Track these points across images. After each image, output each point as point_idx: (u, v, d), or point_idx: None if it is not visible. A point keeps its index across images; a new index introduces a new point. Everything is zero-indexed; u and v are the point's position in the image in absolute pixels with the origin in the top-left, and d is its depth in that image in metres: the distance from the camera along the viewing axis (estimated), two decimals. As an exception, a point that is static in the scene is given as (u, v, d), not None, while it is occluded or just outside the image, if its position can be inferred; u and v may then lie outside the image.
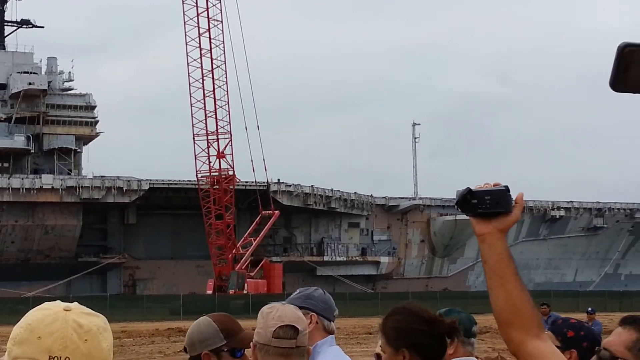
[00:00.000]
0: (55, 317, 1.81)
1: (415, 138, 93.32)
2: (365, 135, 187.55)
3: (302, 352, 3.03)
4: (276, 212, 68.33)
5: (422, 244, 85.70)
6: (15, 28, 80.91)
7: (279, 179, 75.17)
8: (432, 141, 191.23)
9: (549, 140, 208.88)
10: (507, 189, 2.29)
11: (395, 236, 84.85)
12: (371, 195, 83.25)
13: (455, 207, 2.40)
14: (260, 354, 3.01)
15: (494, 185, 2.30)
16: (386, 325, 3.16)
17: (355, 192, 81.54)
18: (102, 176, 71.84)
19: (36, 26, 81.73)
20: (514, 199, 2.32)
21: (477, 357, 4.33)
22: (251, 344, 3.09)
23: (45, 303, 1.89)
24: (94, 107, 79.84)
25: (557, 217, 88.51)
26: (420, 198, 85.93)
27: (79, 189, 69.12)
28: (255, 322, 3.18)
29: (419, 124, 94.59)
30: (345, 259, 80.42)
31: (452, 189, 2.29)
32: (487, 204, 2.27)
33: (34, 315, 1.82)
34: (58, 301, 1.91)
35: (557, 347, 4.08)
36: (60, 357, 1.77)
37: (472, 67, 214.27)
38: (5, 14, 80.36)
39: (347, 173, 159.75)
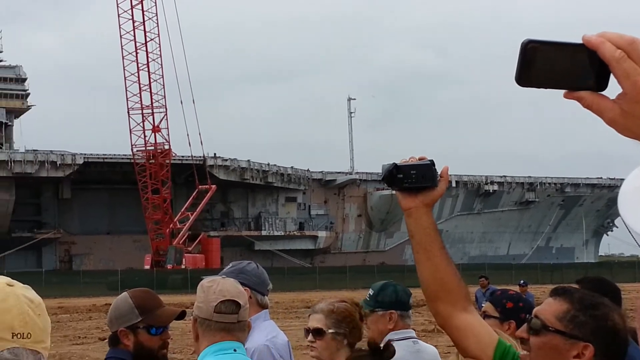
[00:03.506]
0: (5, 292, 1.73)
1: (351, 113, 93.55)
2: (303, 108, 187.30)
3: (243, 326, 3.01)
4: (213, 186, 67.99)
5: (359, 219, 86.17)
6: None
7: (215, 153, 74.69)
8: (370, 114, 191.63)
9: (484, 113, 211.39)
10: (432, 163, 2.31)
11: (332, 211, 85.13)
12: (308, 170, 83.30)
13: (382, 182, 2.42)
14: (202, 328, 2.98)
15: (419, 159, 2.31)
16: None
17: (292, 167, 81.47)
18: (34, 150, 70.49)
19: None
20: (439, 172, 2.34)
21: (414, 330, 4.38)
22: (192, 317, 3.03)
23: None
24: (24, 80, 78.18)
25: (491, 191, 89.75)
26: (357, 173, 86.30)
27: (10, 163, 67.73)
28: (193, 297, 3.12)
29: (354, 99, 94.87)
30: (282, 234, 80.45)
31: (389, 162, 2.31)
32: (412, 178, 2.28)
33: None
34: None
35: (496, 318, 4.16)
36: (23, 334, 1.71)
37: (409, 39, 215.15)
38: None
39: (284, 147, 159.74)
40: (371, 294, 4.28)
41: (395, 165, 2.29)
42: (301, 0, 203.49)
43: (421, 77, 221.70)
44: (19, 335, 1.71)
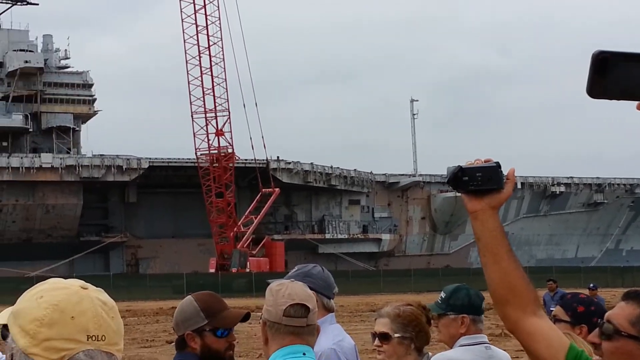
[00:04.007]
0: (79, 295, 1.77)
1: (414, 114, 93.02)
2: (365, 110, 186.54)
3: (312, 330, 3.01)
4: (276, 189, 68.20)
5: (423, 221, 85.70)
6: (9, 5, 79.89)
7: (278, 157, 75.00)
8: (434, 114, 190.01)
9: (549, 113, 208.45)
10: (498, 165, 2.27)
11: (396, 213, 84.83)
12: (371, 172, 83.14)
13: (447, 184, 2.40)
14: (271, 332, 2.99)
15: (485, 162, 2.28)
16: None
17: (355, 169, 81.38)
18: (101, 155, 71.71)
19: (30, 3, 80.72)
20: (505, 174, 2.31)
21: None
22: (261, 320, 3.05)
23: (55, 281, 1.83)
24: (91, 85, 79.58)
25: (558, 193, 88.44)
26: (420, 175, 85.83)
27: (78, 167, 68.98)
28: (258, 300, 3.14)
29: (417, 100, 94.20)
30: (346, 237, 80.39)
31: (453, 164, 2.28)
32: (478, 180, 2.25)
33: (55, 294, 1.76)
34: (60, 279, 1.86)
35: (567, 322, 4.07)
36: (98, 336, 1.75)
37: (473, 39, 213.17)
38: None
39: (346, 149, 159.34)
40: (443, 297, 4.20)
41: (460, 168, 2.26)
42: (362, 1, 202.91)
43: (485, 77, 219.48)
44: (93, 338, 1.75)
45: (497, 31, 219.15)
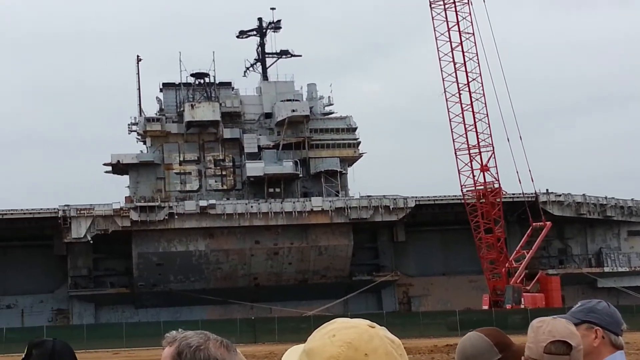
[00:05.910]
0: (369, 334, 1.86)
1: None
2: (636, 133, 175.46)
3: None
4: (548, 223, 66.20)
5: None
6: (275, 59, 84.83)
7: (547, 189, 73.26)
8: None
9: None
10: None
11: (682, 243, 79.29)
12: (651, 200, 78.55)
13: None
14: None
15: None
16: None
17: (632, 199, 77.50)
18: (368, 196, 73.29)
19: (294, 55, 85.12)
20: None
21: None
22: (522, 358, 3.07)
23: (343, 320, 1.91)
24: (354, 129, 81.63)
25: None
26: None
27: (347, 209, 71.06)
28: None
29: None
30: (627, 270, 76.47)
31: None
32: None
33: (346, 333, 1.85)
34: (347, 318, 1.93)
35: None
36: None
37: None
38: (266, 46, 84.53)
39: (622, 176, 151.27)
40: None
41: None
42: (631, 18, 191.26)
43: None
44: None
45: None
